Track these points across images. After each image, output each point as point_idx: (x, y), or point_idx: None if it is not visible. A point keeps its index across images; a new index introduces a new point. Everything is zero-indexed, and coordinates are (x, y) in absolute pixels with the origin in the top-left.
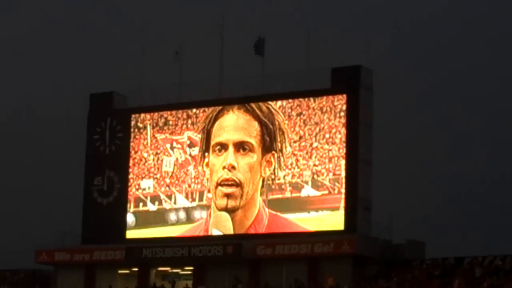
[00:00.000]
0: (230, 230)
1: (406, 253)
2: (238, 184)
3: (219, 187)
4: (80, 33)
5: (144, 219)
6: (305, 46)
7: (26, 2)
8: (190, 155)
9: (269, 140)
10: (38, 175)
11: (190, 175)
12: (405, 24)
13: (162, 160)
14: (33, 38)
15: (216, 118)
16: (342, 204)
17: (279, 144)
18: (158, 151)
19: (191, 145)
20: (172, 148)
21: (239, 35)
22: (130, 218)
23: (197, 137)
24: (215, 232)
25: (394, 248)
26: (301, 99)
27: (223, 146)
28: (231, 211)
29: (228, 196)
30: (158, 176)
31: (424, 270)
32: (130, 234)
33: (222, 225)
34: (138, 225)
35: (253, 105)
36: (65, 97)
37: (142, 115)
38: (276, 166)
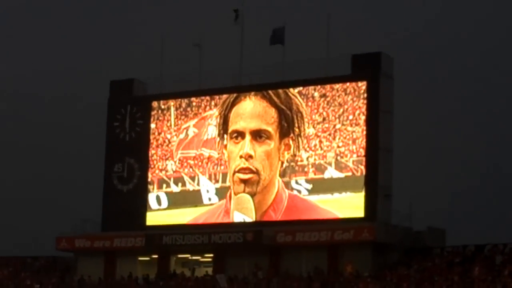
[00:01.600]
0: (252, 212)
1: (426, 240)
2: (255, 172)
3: (236, 174)
4: (100, 21)
5: (174, 200)
6: (325, 33)
7: None
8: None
9: (287, 126)
10: (58, 163)
11: (213, 157)
12: (426, 11)
13: (185, 140)
14: (54, 24)
15: (233, 104)
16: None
17: (297, 129)
18: (182, 133)
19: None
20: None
21: (260, 22)
22: (157, 199)
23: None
24: (237, 215)
25: (414, 235)
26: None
27: (240, 134)
28: (248, 195)
29: (245, 182)
30: (181, 157)
31: (444, 257)
32: (153, 216)
33: (244, 207)
34: (164, 206)
35: (270, 91)
36: (86, 84)
37: (164, 100)
38: (295, 149)
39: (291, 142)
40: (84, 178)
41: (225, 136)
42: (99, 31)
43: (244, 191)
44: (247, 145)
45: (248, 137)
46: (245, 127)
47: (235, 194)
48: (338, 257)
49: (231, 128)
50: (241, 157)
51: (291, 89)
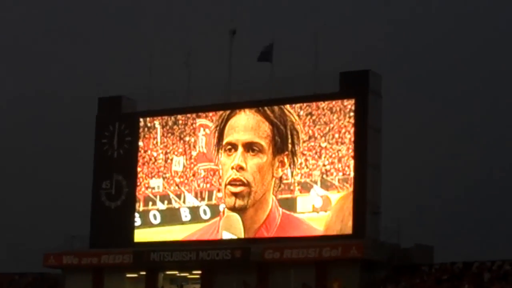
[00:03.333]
0: (240, 232)
1: (415, 257)
2: (246, 184)
3: (228, 186)
4: (88, 37)
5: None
6: (313, 51)
7: (31, 3)
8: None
9: (280, 141)
10: (46, 179)
11: (200, 174)
12: (414, 29)
13: (171, 160)
14: (40, 41)
15: (228, 118)
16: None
17: (291, 145)
18: (168, 150)
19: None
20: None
21: (248, 39)
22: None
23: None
24: (225, 234)
25: (403, 252)
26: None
27: (233, 146)
28: (239, 210)
29: (235, 195)
30: (167, 175)
31: (432, 274)
32: (141, 233)
33: (233, 227)
34: (145, 224)
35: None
36: (73, 101)
37: (152, 117)
38: (290, 167)
39: (286, 159)
40: (72, 195)
41: (220, 151)
42: (87, 48)
43: (234, 205)
44: (238, 157)
45: (240, 149)
46: (238, 139)
47: (227, 207)
48: (326, 274)
49: (225, 140)
50: (232, 168)
51: (287, 106)
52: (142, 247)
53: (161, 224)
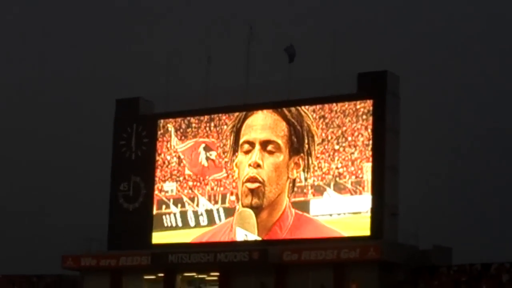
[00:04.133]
0: (254, 227)
1: (433, 259)
2: (262, 183)
3: (245, 184)
4: (106, 38)
5: (169, 222)
6: (331, 52)
7: (49, 4)
8: (209, 158)
9: (297, 142)
10: (65, 181)
11: (214, 178)
12: (432, 29)
13: (185, 163)
14: (59, 42)
15: (245, 117)
16: (365, 207)
17: (307, 146)
18: (181, 154)
19: (207, 148)
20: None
21: (266, 41)
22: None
23: (215, 139)
24: (239, 230)
25: (421, 254)
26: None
27: (251, 144)
28: (255, 208)
29: (252, 192)
30: (181, 178)
31: (451, 276)
32: (156, 236)
33: (246, 222)
34: (158, 227)
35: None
36: (92, 103)
37: (168, 119)
38: (305, 169)
39: (301, 161)
40: (90, 197)
41: (236, 154)
42: (106, 49)
43: (251, 203)
44: (255, 154)
45: (257, 147)
46: (255, 137)
47: (243, 206)
48: (345, 276)
49: (242, 139)
50: (249, 165)
51: (303, 107)
52: (160, 249)
53: (174, 227)
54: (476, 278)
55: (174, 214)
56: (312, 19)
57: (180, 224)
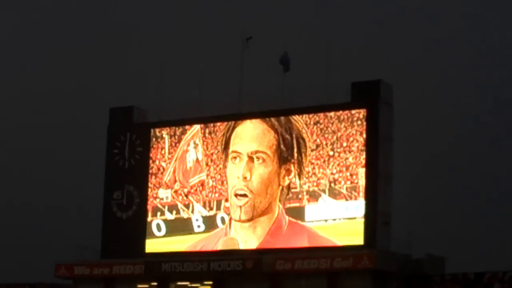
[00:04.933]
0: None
1: (426, 268)
2: (250, 196)
3: (233, 198)
4: (99, 47)
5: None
6: (324, 61)
7: (44, 13)
8: (197, 159)
9: (286, 150)
10: (58, 190)
11: (207, 184)
12: (426, 38)
13: (179, 168)
14: (52, 51)
15: (234, 126)
16: (360, 212)
17: (296, 154)
18: (176, 158)
19: (196, 146)
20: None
21: (260, 49)
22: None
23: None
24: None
25: (414, 263)
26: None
27: (238, 155)
28: (245, 221)
29: (240, 208)
30: (175, 185)
31: (444, 285)
32: (150, 243)
33: (232, 249)
34: (151, 234)
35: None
36: (85, 112)
37: (162, 128)
38: (296, 175)
39: (292, 167)
40: (83, 205)
41: (226, 163)
42: (99, 58)
43: (240, 218)
44: (243, 166)
45: (245, 158)
46: (244, 148)
47: (234, 219)
48: (338, 285)
49: (231, 148)
50: (237, 177)
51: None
52: (153, 258)
53: (167, 234)
54: (469, 287)
55: (169, 221)
56: (306, 28)
57: (175, 230)
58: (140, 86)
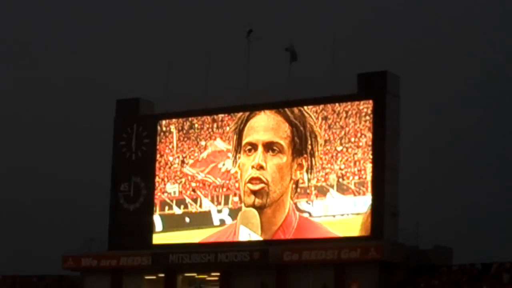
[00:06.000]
0: (257, 227)
1: (433, 259)
2: (265, 183)
3: (247, 184)
4: (106, 40)
5: (172, 222)
6: (331, 52)
7: (51, 4)
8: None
9: (299, 143)
10: (65, 182)
11: (216, 178)
12: (432, 29)
13: (187, 164)
14: (59, 43)
15: (248, 119)
16: (368, 208)
17: (310, 147)
18: (184, 155)
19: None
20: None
21: (266, 41)
22: (159, 222)
23: (224, 142)
24: (242, 229)
25: (421, 254)
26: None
27: (253, 146)
28: (258, 207)
29: (255, 193)
30: (183, 180)
31: (451, 276)
32: (158, 237)
33: (250, 222)
34: (166, 228)
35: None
36: (92, 104)
37: (169, 120)
38: (308, 170)
39: (304, 162)
40: (90, 197)
41: (238, 155)
42: (106, 50)
43: (254, 203)
44: (258, 156)
45: (260, 148)
46: (258, 139)
47: (245, 206)
48: (345, 276)
49: (244, 141)
50: (252, 167)
51: (305, 107)
52: (161, 249)
53: (176, 229)
54: (477, 278)
55: (177, 216)
56: (312, 19)
57: (183, 225)
58: (146, 78)
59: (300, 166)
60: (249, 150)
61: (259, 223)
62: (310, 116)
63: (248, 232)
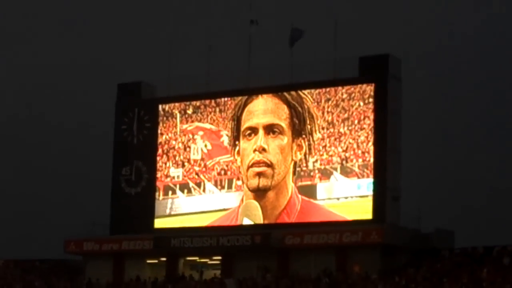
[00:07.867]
0: (260, 219)
1: (435, 242)
2: (269, 165)
3: (250, 169)
4: (108, 23)
5: (176, 207)
6: (332, 36)
7: None
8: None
9: (298, 123)
10: (67, 166)
11: (219, 163)
12: (434, 12)
13: (190, 148)
14: (62, 28)
15: (245, 104)
16: (370, 190)
17: (309, 127)
18: (187, 139)
19: (204, 138)
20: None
21: (267, 25)
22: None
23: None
24: (245, 220)
25: (423, 237)
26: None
27: (253, 130)
28: (263, 190)
29: (259, 174)
30: (186, 164)
31: (453, 259)
32: (161, 222)
33: (252, 214)
34: (169, 213)
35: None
36: (93, 88)
37: (171, 104)
38: (307, 151)
39: (302, 143)
40: (92, 181)
41: (237, 142)
42: (107, 34)
43: (258, 185)
44: (260, 139)
45: (261, 131)
46: (258, 122)
47: (250, 189)
48: (347, 259)
49: (244, 126)
50: (255, 150)
51: (303, 90)
52: (163, 233)
53: (181, 213)
54: (478, 261)
55: (181, 200)
56: (314, 2)
57: (186, 210)
58: (148, 62)
59: (300, 147)
60: (249, 135)
61: (261, 215)
62: (307, 97)
63: (251, 224)
